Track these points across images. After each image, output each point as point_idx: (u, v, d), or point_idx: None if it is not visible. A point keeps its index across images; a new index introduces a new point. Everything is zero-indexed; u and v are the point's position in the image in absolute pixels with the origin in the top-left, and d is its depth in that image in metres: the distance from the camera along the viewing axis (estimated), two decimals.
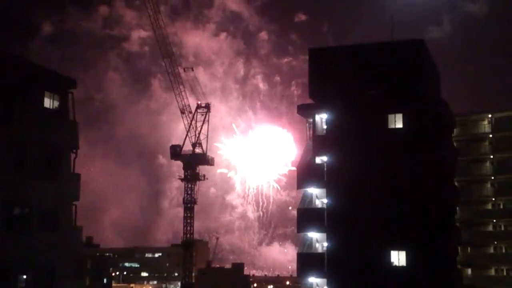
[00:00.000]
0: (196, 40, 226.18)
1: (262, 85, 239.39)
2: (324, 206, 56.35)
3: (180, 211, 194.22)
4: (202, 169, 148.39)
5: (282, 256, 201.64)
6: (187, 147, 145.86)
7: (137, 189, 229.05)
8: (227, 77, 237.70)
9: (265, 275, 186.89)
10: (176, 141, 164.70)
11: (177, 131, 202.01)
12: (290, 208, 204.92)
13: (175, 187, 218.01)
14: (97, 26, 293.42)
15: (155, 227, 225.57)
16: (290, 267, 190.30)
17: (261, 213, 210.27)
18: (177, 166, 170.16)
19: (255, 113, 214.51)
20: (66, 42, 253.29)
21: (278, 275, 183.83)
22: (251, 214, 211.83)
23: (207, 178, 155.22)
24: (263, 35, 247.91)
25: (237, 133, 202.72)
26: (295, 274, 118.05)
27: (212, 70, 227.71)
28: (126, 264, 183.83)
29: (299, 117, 61.19)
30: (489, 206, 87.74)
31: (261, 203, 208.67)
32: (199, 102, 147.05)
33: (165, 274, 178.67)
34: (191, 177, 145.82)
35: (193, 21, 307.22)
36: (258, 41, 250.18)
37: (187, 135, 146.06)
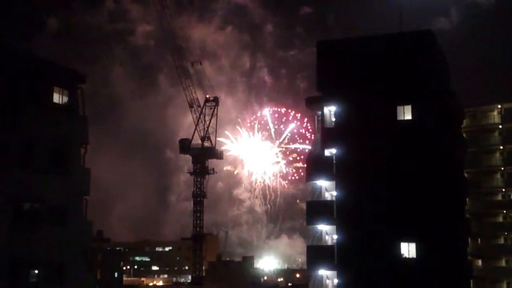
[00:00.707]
0: (201, 33, 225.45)
1: (267, 79, 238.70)
2: (334, 198, 56.32)
3: (188, 205, 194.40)
4: (210, 163, 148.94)
5: (290, 249, 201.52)
6: (196, 141, 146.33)
7: (144, 184, 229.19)
8: (233, 71, 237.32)
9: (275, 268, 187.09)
10: (183, 135, 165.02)
11: (184, 125, 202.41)
12: (298, 201, 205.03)
13: (182, 181, 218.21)
14: (103, 21, 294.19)
15: (163, 221, 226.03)
16: (300, 260, 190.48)
17: (269, 207, 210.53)
18: (184, 160, 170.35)
19: (261, 106, 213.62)
20: (71, 37, 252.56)
21: (288, 267, 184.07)
22: (259, 207, 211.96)
23: (216, 172, 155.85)
24: (268, 28, 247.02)
25: (243, 127, 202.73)
26: (304, 267, 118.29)
27: (218, 64, 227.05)
28: (137, 258, 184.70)
29: (305, 109, 61.17)
30: (499, 197, 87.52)
31: (268, 197, 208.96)
32: (207, 96, 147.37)
33: (176, 268, 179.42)
34: (200, 171, 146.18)
35: (198, 15, 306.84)
36: (263, 34, 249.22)
37: (196, 129, 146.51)
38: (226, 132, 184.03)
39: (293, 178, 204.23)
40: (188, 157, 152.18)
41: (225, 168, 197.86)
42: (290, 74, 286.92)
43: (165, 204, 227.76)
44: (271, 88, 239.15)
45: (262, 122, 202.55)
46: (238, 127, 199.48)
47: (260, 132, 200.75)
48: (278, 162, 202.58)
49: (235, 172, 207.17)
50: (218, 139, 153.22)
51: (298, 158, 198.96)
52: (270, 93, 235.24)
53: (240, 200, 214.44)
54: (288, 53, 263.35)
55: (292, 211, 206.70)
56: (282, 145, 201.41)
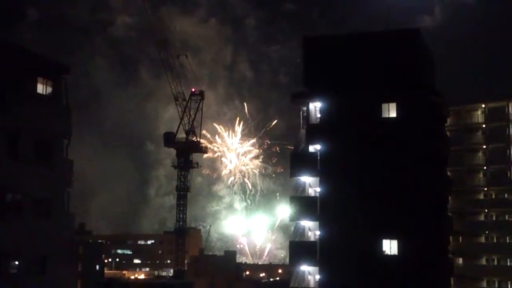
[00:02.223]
0: (183, 26, 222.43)
1: (249, 73, 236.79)
2: (317, 194, 56.45)
3: (167, 200, 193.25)
4: (193, 157, 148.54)
5: (271, 244, 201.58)
6: (180, 135, 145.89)
7: (124, 176, 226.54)
8: (215, 65, 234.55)
9: (257, 262, 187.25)
10: (164, 128, 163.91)
11: (164, 118, 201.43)
12: (277, 196, 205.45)
13: (162, 175, 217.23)
14: (84, 11, 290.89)
15: (142, 215, 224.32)
16: (282, 255, 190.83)
17: (249, 202, 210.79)
18: (165, 154, 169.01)
19: (242, 101, 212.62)
20: (52, 27, 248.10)
21: (270, 263, 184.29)
22: (238, 203, 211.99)
23: (200, 166, 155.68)
24: (251, 22, 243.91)
25: (222, 123, 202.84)
26: (287, 262, 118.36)
27: (200, 57, 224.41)
28: (119, 251, 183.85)
29: (288, 105, 61.17)
30: (481, 196, 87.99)
31: (248, 192, 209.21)
32: (193, 89, 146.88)
33: (158, 261, 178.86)
34: (184, 164, 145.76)
35: (180, 7, 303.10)
36: (246, 28, 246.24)
37: (180, 122, 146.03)
38: (203, 132, 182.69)
39: (272, 175, 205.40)
40: (170, 151, 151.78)
41: (203, 172, 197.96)
42: (273, 69, 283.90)
43: (144, 198, 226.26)
44: (253, 82, 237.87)
45: (243, 116, 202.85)
46: (215, 124, 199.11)
47: (240, 126, 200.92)
48: (258, 159, 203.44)
49: (214, 177, 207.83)
50: (200, 139, 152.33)
51: (275, 159, 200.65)
52: (252, 87, 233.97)
53: (219, 196, 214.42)
54: (271, 48, 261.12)
55: (272, 207, 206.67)
56: (266, 142, 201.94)
